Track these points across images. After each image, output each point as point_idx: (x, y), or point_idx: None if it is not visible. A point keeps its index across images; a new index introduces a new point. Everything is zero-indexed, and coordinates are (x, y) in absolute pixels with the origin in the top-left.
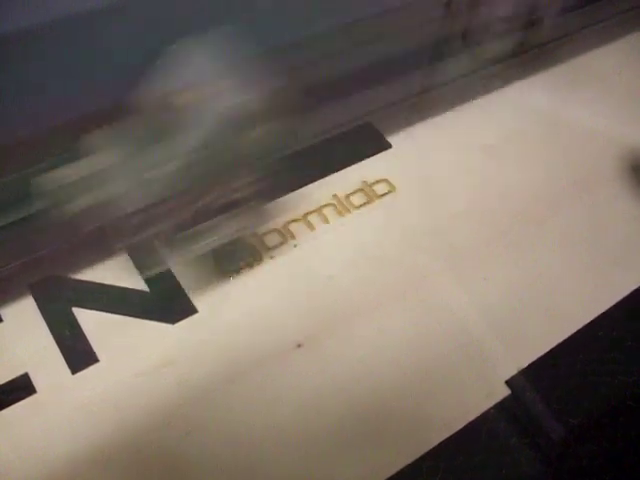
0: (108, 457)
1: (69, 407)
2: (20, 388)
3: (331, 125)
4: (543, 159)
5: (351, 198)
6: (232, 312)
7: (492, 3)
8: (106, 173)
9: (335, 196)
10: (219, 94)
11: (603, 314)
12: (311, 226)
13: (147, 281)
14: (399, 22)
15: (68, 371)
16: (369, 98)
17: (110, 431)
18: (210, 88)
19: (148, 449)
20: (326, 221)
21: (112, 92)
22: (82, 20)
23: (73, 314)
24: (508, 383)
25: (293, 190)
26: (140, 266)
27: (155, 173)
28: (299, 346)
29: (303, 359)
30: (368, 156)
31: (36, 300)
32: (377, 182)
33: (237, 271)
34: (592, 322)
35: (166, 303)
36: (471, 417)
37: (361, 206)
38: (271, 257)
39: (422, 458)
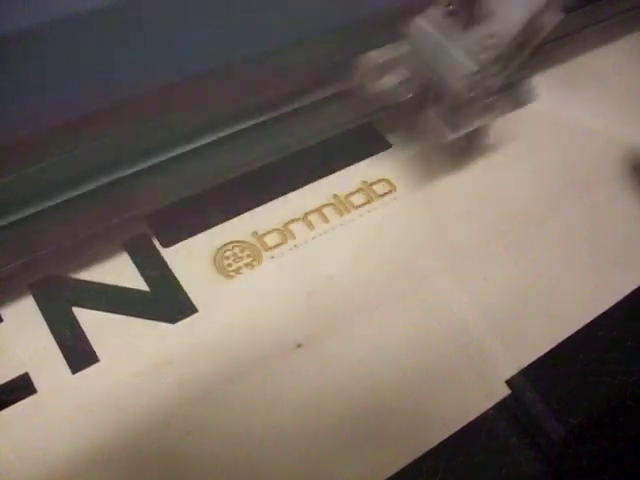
0: (108, 457)
1: (69, 407)
2: (20, 388)
3: (331, 125)
4: (543, 159)
5: (351, 198)
6: (232, 312)
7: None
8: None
9: (335, 196)
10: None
11: (603, 314)
12: (311, 226)
13: (147, 281)
14: (399, 21)
15: (68, 371)
16: (369, 98)
17: (110, 431)
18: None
19: (148, 449)
20: (326, 221)
21: (112, 92)
22: (82, 20)
23: (73, 314)
24: (508, 383)
25: (293, 190)
26: (140, 266)
27: None
28: (299, 346)
29: (303, 359)
30: (368, 156)
31: (36, 300)
32: (377, 182)
33: (237, 271)
34: (592, 322)
35: (166, 303)
36: (471, 417)
37: (361, 206)
38: (271, 257)
39: (422, 458)
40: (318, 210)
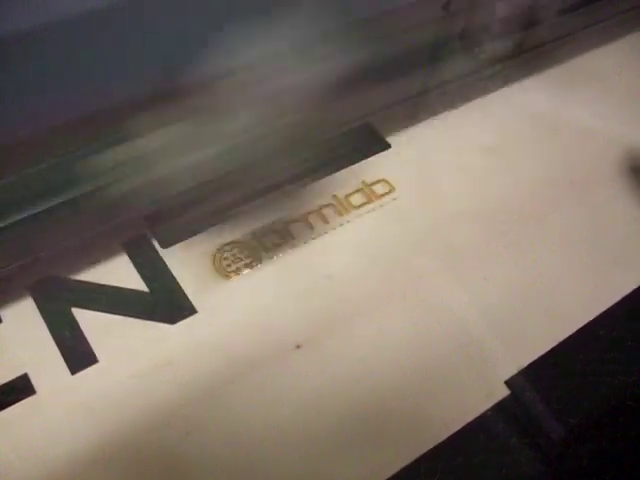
0: (108, 457)
1: (69, 407)
2: (20, 388)
3: (330, 125)
4: (543, 159)
5: (350, 198)
6: (232, 312)
7: (491, 3)
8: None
9: (334, 196)
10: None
11: (603, 314)
12: (310, 226)
13: (147, 281)
14: (398, 22)
15: (68, 371)
16: (369, 98)
17: (110, 431)
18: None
19: (148, 449)
20: (325, 221)
21: (112, 92)
22: (82, 20)
23: (72, 314)
24: (508, 383)
25: (292, 191)
26: (140, 266)
27: None
28: (298, 347)
29: (303, 359)
30: (367, 156)
31: (35, 301)
32: (376, 182)
33: (237, 271)
34: (592, 322)
35: (166, 303)
36: (471, 417)
37: (360, 206)
38: (270, 257)
39: (421, 458)
40: (317, 210)
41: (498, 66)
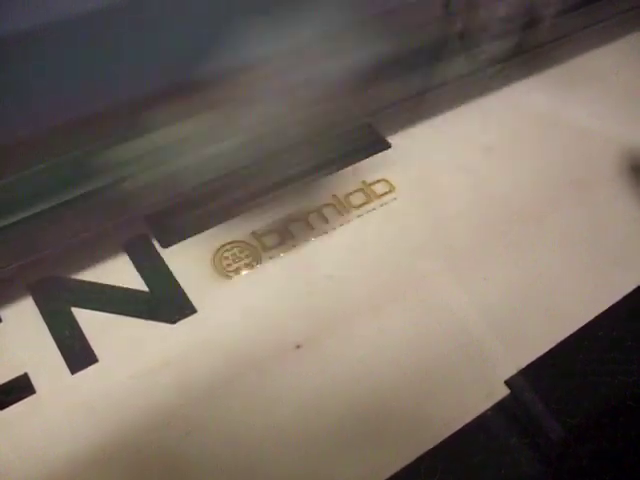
0: (108, 457)
1: (69, 407)
2: (20, 388)
3: (330, 125)
4: (543, 159)
5: (350, 198)
6: (231, 312)
7: (491, 3)
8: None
9: (334, 196)
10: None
11: (603, 314)
12: (310, 226)
13: (147, 281)
14: (398, 22)
15: (67, 371)
16: (368, 98)
17: (110, 431)
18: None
19: (148, 449)
20: (325, 221)
21: (112, 92)
22: (82, 20)
23: (72, 314)
24: (507, 383)
25: (292, 190)
26: (140, 266)
27: None
28: (298, 347)
29: (303, 359)
30: (367, 156)
31: (35, 300)
32: (376, 182)
33: (236, 271)
34: (592, 322)
35: (166, 303)
36: (471, 417)
37: (360, 206)
38: (270, 257)
39: (421, 458)
40: (317, 210)
41: (498, 66)
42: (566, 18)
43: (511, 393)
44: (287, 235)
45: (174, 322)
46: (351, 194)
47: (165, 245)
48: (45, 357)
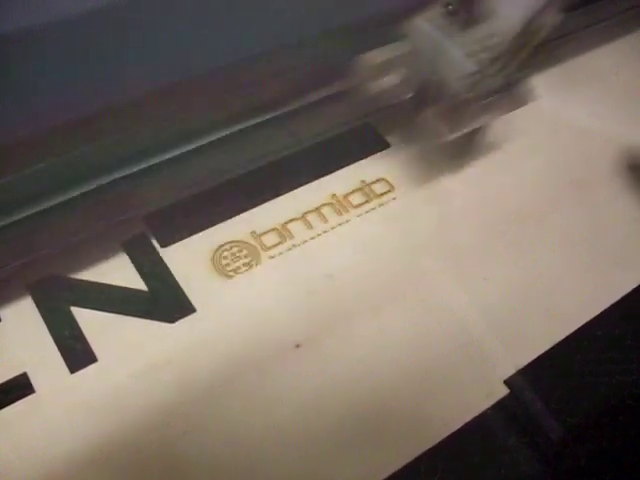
0: (108, 457)
1: (68, 406)
2: (19, 387)
3: (330, 125)
4: (542, 159)
5: (350, 197)
6: (231, 312)
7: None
8: None
9: (334, 195)
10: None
11: (602, 313)
12: (310, 225)
13: (146, 280)
14: (398, 23)
15: (67, 370)
16: (368, 98)
17: (109, 430)
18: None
19: (148, 449)
20: (325, 220)
21: (112, 92)
22: (82, 20)
23: (72, 313)
24: (507, 383)
25: (292, 190)
26: (139, 265)
27: None
28: (298, 346)
29: (303, 359)
30: (367, 155)
31: (34, 300)
32: (376, 181)
33: (235, 271)
34: (591, 322)
35: (165, 302)
36: (470, 417)
37: (360, 205)
38: (270, 257)
39: (420, 458)
40: (317, 210)
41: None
42: (566, 18)
43: (511, 393)
44: (286, 234)
45: (173, 321)
46: (350, 194)
47: (164, 244)
48: (44, 356)
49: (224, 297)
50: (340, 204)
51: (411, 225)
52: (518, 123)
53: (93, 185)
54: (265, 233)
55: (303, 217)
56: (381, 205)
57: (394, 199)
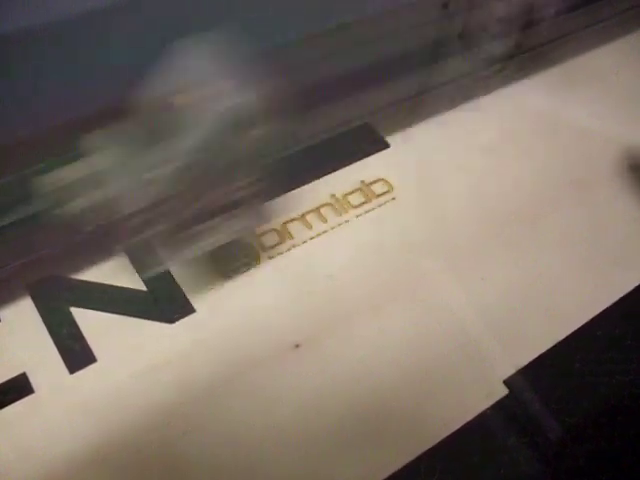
0: (107, 457)
1: (67, 407)
2: (18, 388)
3: (329, 125)
4: (542, 159)
5: (349, 198)
6: (230, 312)
7: (490, 3)
8: (105, 174)
9: (333, 196)
10: (219, 94)
11: (602, 314)
12: (309, 226)
13: (145, 281)
14: (398, 22)
15: (66, 371)
16: (367, 98)
17: (109, 430)
18: (210, 88)
19: (148, 449)
20: (324, 221)
21: (112, 92)
22: (82, 20)
23: (71, 314)
24: (507, 383)
25: (291, 190)
26: (138, 266)
27: (155, 174)
28: (298, 346)
29: (303, 359)
30: (366, 156)
31: (34, 300)
32: (375, 182)
33: (235, 271)
34: (591, 322)
35: (164, 303)
36: (470, 417)
37: (359, 206)
38: (269, 257)
39: (420, 458)
40: (316, 210)
41: (498, 66)
42: (566, 18)
43: (510, 393)
44: (286, 235)
45: (173, 322)
46: (350, 194)
47: (164, 244)
48: (44, 357)
49: (224, 297)
50: (339, 204)
51: (410, 225)
52: (518, 123)
53: (93, 185)
54: (264, 233)
55: (302, 217)
56: (380, 205)
57: (393, 199)
